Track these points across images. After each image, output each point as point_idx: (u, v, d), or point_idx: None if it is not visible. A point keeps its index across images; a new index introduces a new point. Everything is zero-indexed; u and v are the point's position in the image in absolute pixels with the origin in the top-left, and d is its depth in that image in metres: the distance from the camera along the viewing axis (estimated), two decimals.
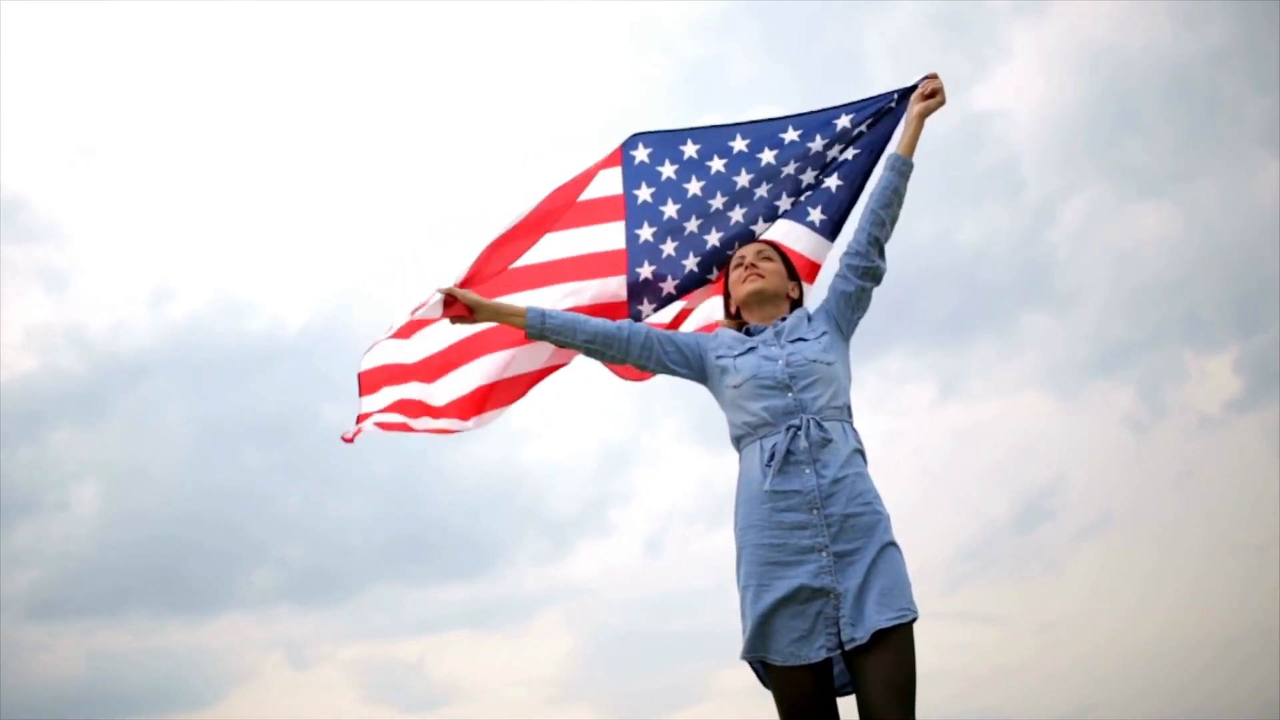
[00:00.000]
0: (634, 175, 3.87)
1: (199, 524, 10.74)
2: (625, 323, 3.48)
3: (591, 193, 3.88)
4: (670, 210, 3.82)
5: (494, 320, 3.59)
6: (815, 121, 3.81)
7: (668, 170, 3.85)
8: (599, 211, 3.86)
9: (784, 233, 3.77)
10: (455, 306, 3.53)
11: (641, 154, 3.88)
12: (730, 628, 3.17)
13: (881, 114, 3.77)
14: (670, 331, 3.56)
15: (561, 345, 3.52)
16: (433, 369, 3.80)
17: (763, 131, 3.84)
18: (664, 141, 3.88)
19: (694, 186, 3.82)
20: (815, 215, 3.78)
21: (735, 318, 3.54)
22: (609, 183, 3.88)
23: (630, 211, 3.85)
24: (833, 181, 3.78)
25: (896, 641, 2.97)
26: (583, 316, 3.51)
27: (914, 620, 3.01)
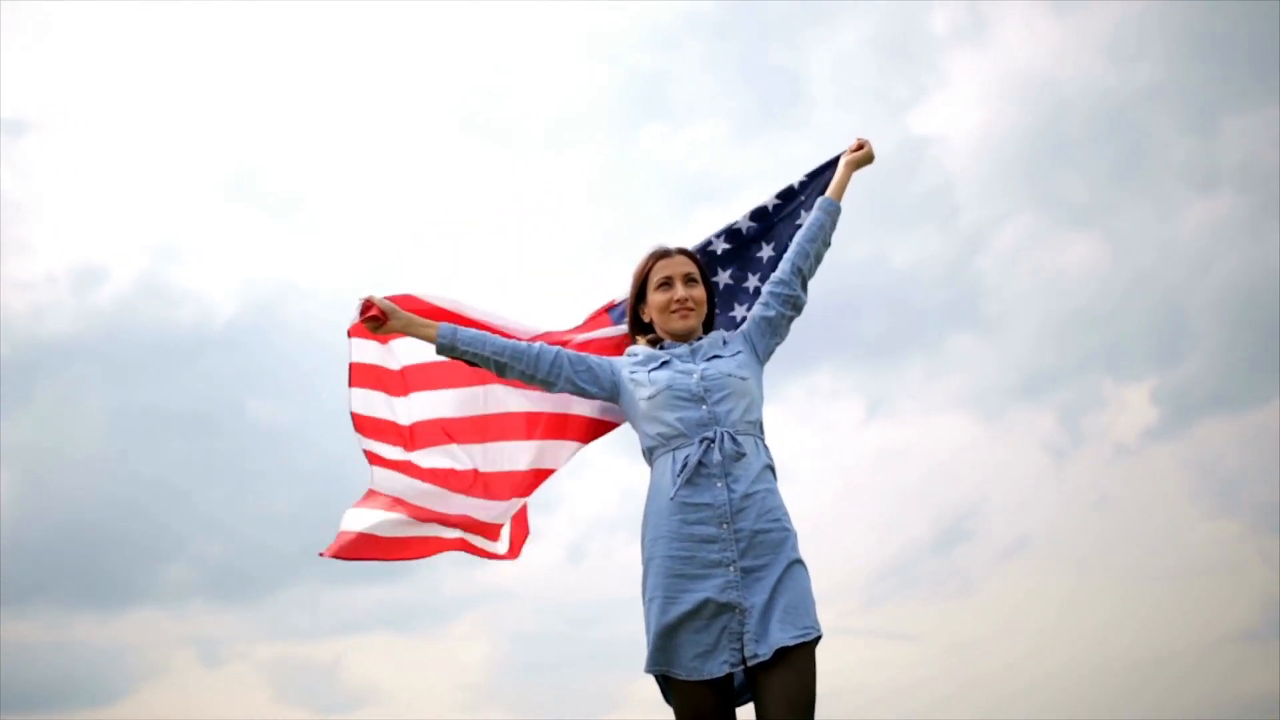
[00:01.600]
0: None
1: (114, 515, 10.53)
2: (536, 343, 3.46)
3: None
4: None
5: (404, 330, 3.47)
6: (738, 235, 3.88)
7: None
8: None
9: None
10: (370, 311, 3.45)
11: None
12: (644, 640, 3.16)
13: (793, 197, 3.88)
14: (581, 352, 3.52)
15: (471, 361, 3.44)
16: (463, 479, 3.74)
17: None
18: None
19: None
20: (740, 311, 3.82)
21: (643, 329, 3.53)
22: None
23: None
24: (752, 283, 3.83)
25: (798, 660, 2.98)
26: (492, 334, 3.47)
27: (817, 639, 3.03)
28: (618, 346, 3.71)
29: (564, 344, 3.62)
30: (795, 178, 3.91)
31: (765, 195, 3.92)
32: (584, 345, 3.74)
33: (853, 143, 3.79)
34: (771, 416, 3.40)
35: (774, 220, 3.89)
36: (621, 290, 3.75)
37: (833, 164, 3.84)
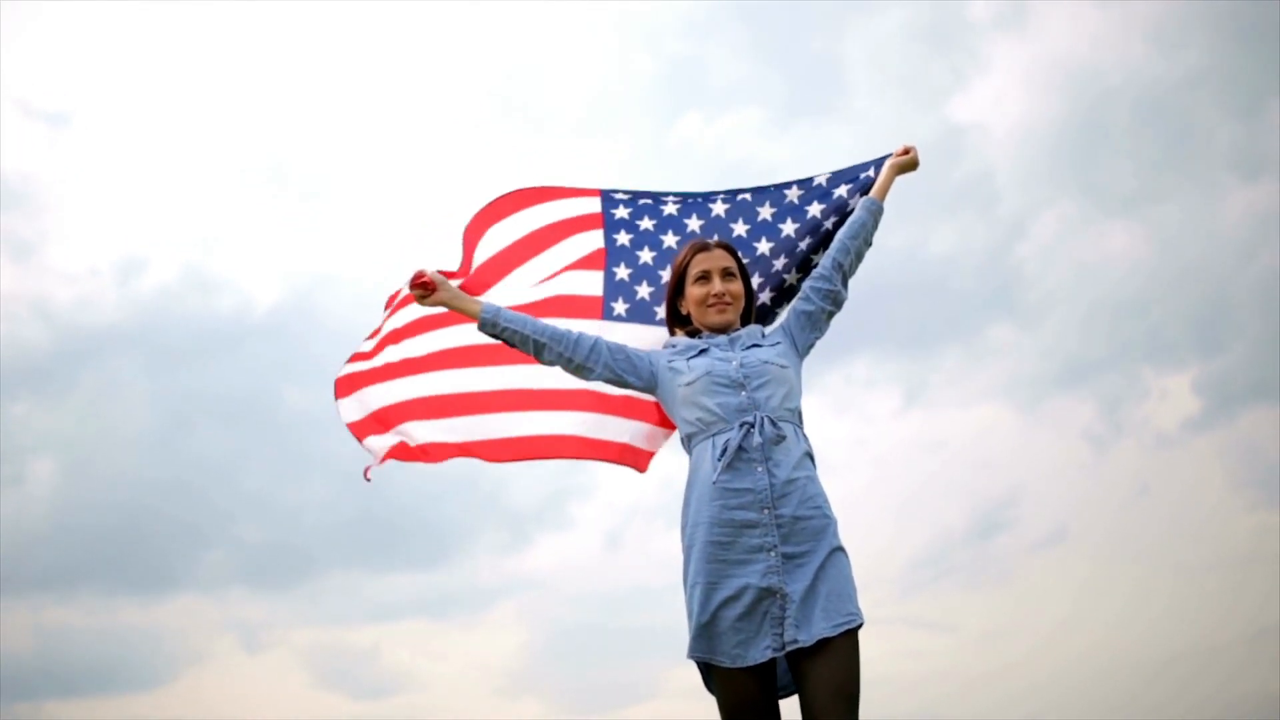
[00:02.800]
0: (614, 226, 3.96)
1: (156, 503, 10.65)
2: (577, 330, 3.48)
3: (573, 249, 3.95)
4: (646, 257, 3.91)
5: (449, 302, 3.55)
6: (784, 205, 3.89)
7: (646, 223, 3.94)
8: (579, 261, 3.94)
9: None
10: (421, 279, 3.54)
11: (622, 211, 3.97)
12: (683, 626, 3.16)
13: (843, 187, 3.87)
14: (620, 343, 3.52)
15: (510, 342, 3.48)
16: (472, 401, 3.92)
17: (740, 208, 3.91)
18: (642, 201, 3.97)
19: (669, 240, 3.91)
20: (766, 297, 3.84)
21: (681, 320, 3.53)
22: (591, 241, 3.96)
23: (610, 254, 3.93)
24: (780, 262, 3.83)
25: (842, 647, 2.98)
26: (534, 316, 3.53)
27: (860, 626, 3.03)
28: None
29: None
30: (832, 165, 3.91)
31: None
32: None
33: (899, 147, 3.80)
34: (809, 406, 3.40)
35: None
36: None
37: (865, 167, 3.85)
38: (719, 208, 3.91)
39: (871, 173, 3.82)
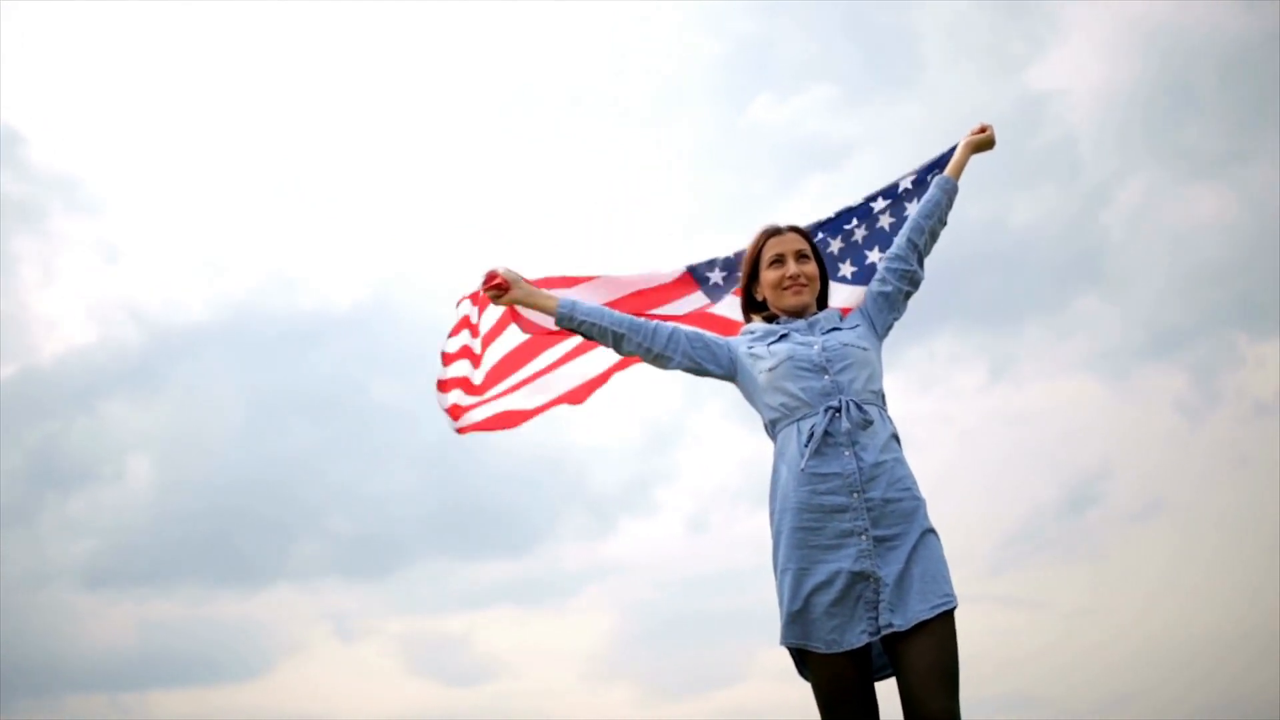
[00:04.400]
0: (716, 295, 4.00)
1: (250, 496, 10.89)
2: (654, 320, 3.47)
3: (670, 309, 4.00)
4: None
5: (524, 300, 3.53)
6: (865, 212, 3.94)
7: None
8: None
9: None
10: (494, 280, 3.51)
11: (717, 276, 4.00)
12: (770, 608, 3.17)
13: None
14: (699, 329, 3.52)
15: (588, 335, 3.47)
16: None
17: (832, 227, 3.95)
18: (730, 263, 4.00)
19: None
20: (846, 269, 3.89)
21: (757, 307, 3.51)
22: (694, 301, 4.02)
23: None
24: (860, 232, 3.90)
25: (939, 629, 2.95)
26: (610, 309, 3.52)
27: (955, 608, 2.99)
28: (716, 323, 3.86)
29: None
30: (907, 141, 3.92)
31: (876, 162, 3.96)
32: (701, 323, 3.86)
33: (975, 125, 3.80)
34: (891, 384, 3.37)
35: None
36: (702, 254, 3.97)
37: (942, 160, 3.84)
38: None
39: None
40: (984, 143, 3.76)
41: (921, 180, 3.85)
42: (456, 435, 4.03)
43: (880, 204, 3.92)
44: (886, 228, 3.88)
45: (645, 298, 3.98)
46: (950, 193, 3.64)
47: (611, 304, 3.88)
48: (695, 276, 4.00)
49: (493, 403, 4.03)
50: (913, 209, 3.74)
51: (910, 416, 3.26)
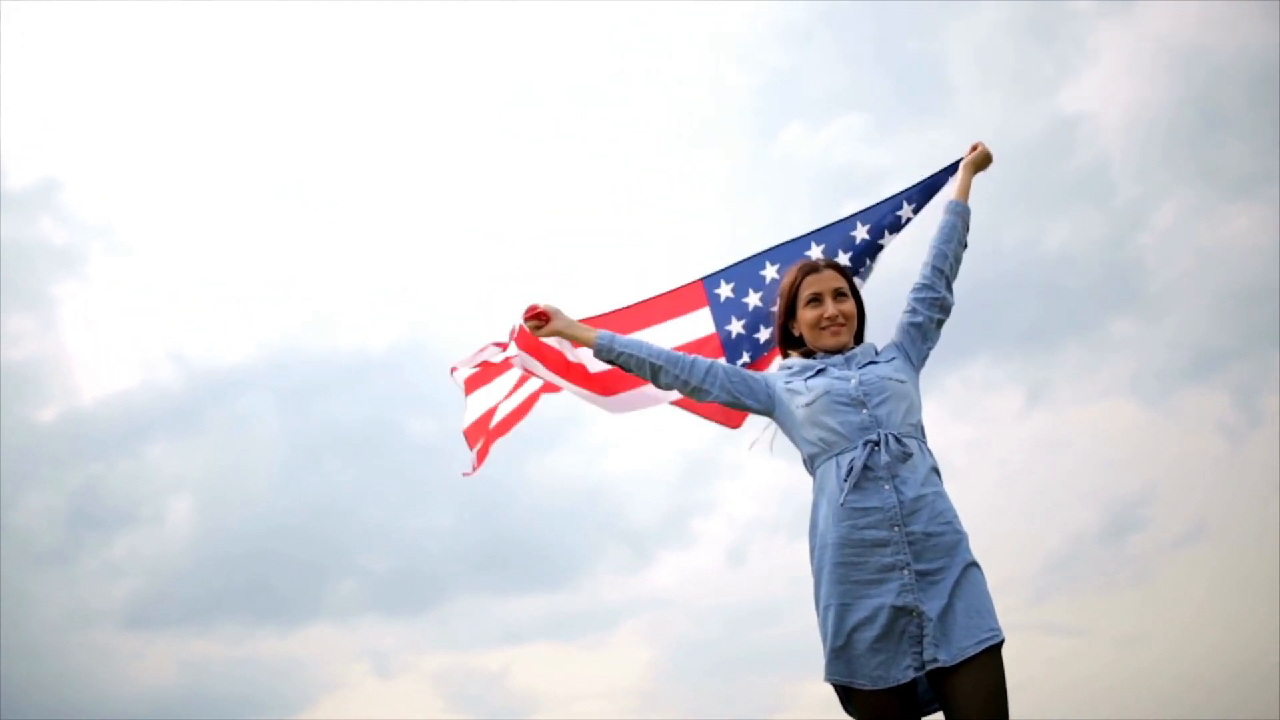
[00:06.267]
0: (723, 311, 3.98)
1: (288, 535, 10.95)
2: (692, 354, 3.48)
3: (682, 334, 3.98)
4: (763, 336, 3.95)
5: (565, 332, 3.58)
6: (881, 215, 3.93)
7: (754, 300, 3.95)
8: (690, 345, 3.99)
9: None
10: (534, 312, 3.58)
11: (725, 290, 3.99)
12: (811, 639, 3.15)
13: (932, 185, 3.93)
14: (736, 366, 3.54)
15: (626, 366, 3.49)
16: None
17: (836, 234, 3.94)
18: (744, 272, 3.99)
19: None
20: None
21: (794, 343, 3.50)
22: (700, 324, 3.99)
23: (725, 346, 3.98)
24: (861, 232, 3.91)
25: (986, 664, 2.93)
26: (649, 341, 3.54)
27: (1001, 643, 2.97)
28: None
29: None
30: (939, 168, 3.91)
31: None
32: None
33: (971, 145, 3.81)
34: (927, 410, 3.35)
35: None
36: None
37: (945, 174, 3.87)
38: (816, 250, 3.92)
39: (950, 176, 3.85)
40: (981, 160, 3.77)
41: (885, 229, 3.89)
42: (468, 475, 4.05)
43: (861, 230, 3.91)
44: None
45: (652, 305, 3.99)
46: (963, 215, 3.62)
47: (622, 316, 3.94)
48: (706, 289, 3.99)
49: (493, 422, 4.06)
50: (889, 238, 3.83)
51: (948, 443, 3.24)
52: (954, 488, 3.21)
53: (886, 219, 3.90)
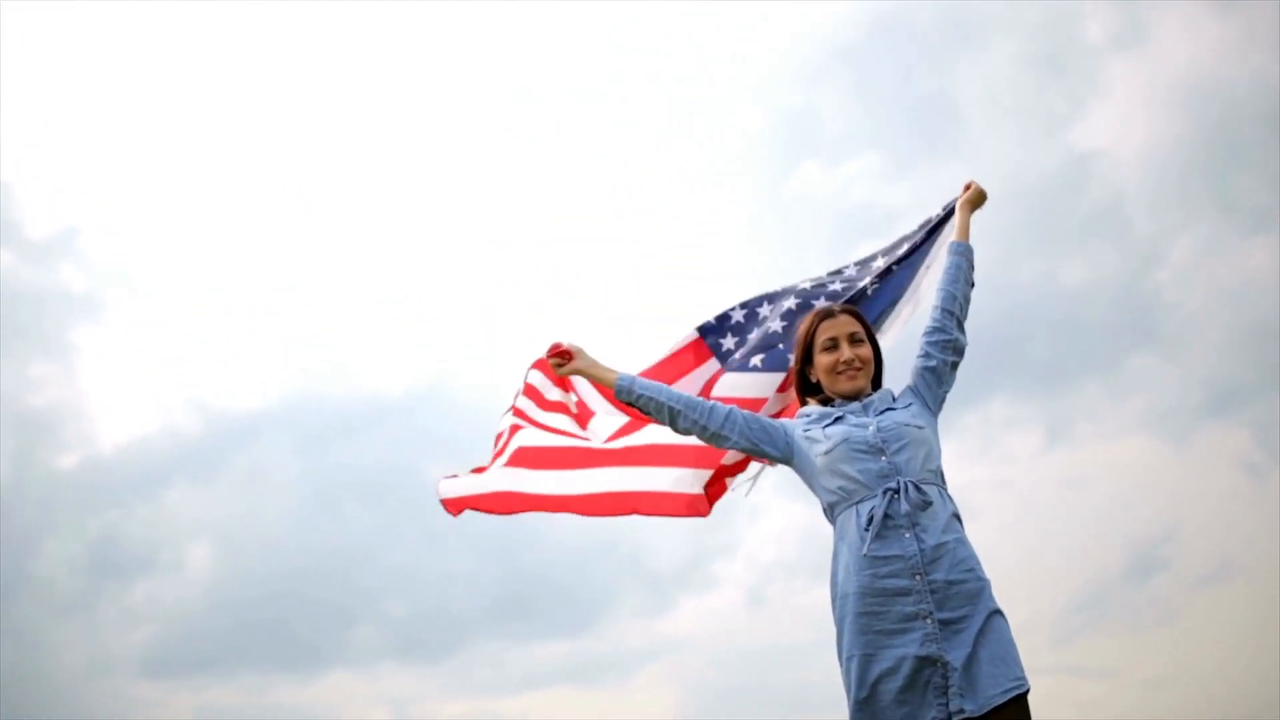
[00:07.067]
0: (731, 365, 4.00)
1: (307, 581, 10.93)
2: (711, 400, 3.50)
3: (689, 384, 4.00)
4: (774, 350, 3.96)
5: (586, 371, 3.63)
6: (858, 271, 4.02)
7: (755, 360, 3.97)
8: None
9: None
10: (558, 350, 3.64)
11: (729, 342, 4.04)
12: (834, 682, 3.12)
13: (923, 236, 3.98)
14: (755, 413, 3.52)
15: (645, 410, 3.50)
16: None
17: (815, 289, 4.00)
18: (747, 318, 4.06)
19: (776, 324, 3.99)
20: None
21: (811, 389, 3.48)
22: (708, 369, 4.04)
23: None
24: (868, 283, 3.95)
25: (1013, 714, 2.90)
26: (668, 385, 3.57)
27: (1028, 691, 2.94)
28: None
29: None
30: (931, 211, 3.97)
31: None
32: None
33: (965, 185, 3.84)
34: (946, 450, 3.33)
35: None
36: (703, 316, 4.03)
37: (944, 219, 3.91)
38: (791, 302, 3.97)
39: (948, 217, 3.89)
40: (976, 198, 3.79)
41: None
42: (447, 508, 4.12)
43: (882, 260, 3.97)
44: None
45: (657, 372, 3.98)
46: (967, 255, 3.63)
47: None
48: (708, 344, 4.03)
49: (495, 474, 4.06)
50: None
51: (967, 482, 3.22)
52: (974, 528, 3.19)
53: (904, 287, 3.94)
